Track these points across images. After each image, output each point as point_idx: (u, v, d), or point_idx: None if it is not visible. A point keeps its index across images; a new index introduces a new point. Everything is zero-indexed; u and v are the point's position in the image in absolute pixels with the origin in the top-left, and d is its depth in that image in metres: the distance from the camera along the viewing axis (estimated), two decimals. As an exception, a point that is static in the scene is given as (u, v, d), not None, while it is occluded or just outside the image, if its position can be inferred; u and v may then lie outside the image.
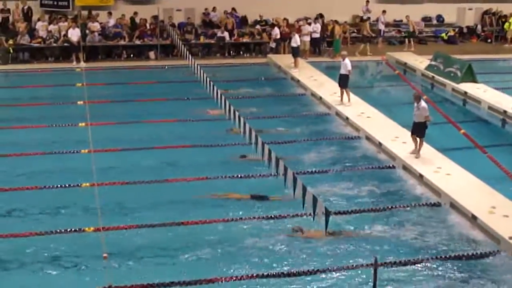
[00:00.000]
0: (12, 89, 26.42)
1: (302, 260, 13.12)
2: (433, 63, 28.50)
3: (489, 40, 36.79)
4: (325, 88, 25.15)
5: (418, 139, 17.83)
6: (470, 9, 37.76)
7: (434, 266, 12.98)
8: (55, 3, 32.35)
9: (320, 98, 24.24)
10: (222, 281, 12.23)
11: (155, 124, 21.32)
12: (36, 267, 12.84)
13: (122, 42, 31.44)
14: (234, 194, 15.97)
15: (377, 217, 14.99)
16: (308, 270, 12.63)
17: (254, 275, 12.46)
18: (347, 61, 22.79)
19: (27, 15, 31.87)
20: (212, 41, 32.37)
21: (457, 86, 26.07)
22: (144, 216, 14.78)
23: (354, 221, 14.65)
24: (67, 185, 16.28)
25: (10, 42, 29.85)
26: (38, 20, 31.30)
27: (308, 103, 24.69)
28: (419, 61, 30.26)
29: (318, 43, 32.59)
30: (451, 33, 36.70)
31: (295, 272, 12.61)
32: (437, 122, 19.64)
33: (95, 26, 31.17)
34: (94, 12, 32.29)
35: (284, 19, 32.88)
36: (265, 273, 12.50)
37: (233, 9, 33.82)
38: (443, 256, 13.31)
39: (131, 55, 31.57)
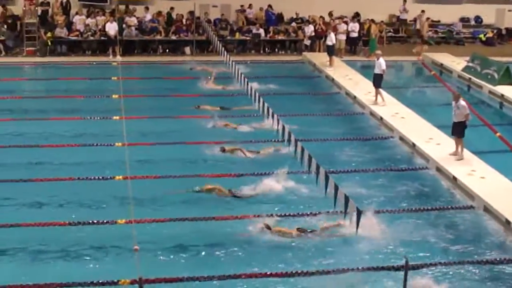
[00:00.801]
0: (49, 81, 26.69)
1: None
2: (470, 64, 28.19)
3: (528, 43, 36.29)
4: (360, 87, 25.03)
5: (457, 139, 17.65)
6: (510, 10, 37.14)
7: (465, 269, 12.82)
8: (93, -3, 32.72)
9: (355, 97, 24.13)
10: (254, 277, 12.22)
11: (188, 119, 21.35)
12: (69, 256, 12.99)
13: (158, 37, 31.62)
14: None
15: (409, 218, 14.86)
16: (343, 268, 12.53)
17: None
18: (381, 60, 22.66)
19: (65, 8, 32.21)
20: (248, 38, 32.41)
21: (494, 88, 25.77)
22: (176, 210, 14.84)
23: (385, 221, 14.54)
24: (100, 177, 16.43)
25: (49, 35, 30.19)
26: (76, 13, 31.60)
27: (342, 102, 24.62)
28: (456, 62, 29.93)
29: (355, 43, 32.44)
30: (489, 35, 36.17)
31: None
32: (473, 125, 19.42)
33: (132, 20, 31.38)
34: (131, 7, 32.53)
35: (320, 17, 32.78)
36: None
37: (269, 6, 33.78)
38: (474, 260, 13.15)
39: (167, 50, 31.74)
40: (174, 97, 24.04)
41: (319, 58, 30.00)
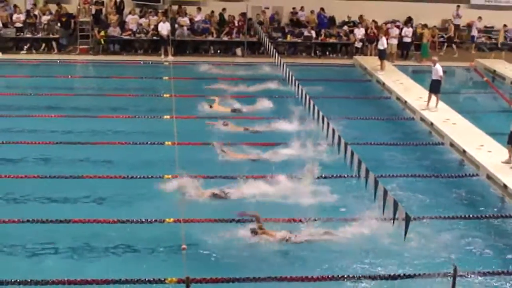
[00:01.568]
0: (101, 79, 27.10)
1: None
2: (524, 71, 27.75)
3: None
4: (411, 92, 24.81)
5: None
6: None
7: (515, 280, 12.65)
8: (147, -3, 33.12)
9: (405, 102, 23.93)
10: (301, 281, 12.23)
11: (236, 120, 21.35)
12: (117, 253, 13.16)
13: (210, 38, 31.83)
14: None
15: (457, 225, 14.70)
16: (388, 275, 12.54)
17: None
18: (438, 66, 22.37)
19: (119, 8, 32.68)
20: (299, 40, 32.40)
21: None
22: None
23: (433, 227, 14.39)
24: (150, 176, 16.54)
25: (102, 33, 30.65)
26: (129, 13, 32.02)
27: (393, 106, 24.44)
28: (509, 69, 29.47)
29: (408, 47, 32.17)
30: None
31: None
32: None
33: (185, 21, 31.67)
34: (183, 7, 32.79)
35: (373, 21, 32.60)
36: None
37: (322, 9, 33.70)
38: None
39: (218, 51, 31.91)
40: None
41: (370, 62, 29.83)
